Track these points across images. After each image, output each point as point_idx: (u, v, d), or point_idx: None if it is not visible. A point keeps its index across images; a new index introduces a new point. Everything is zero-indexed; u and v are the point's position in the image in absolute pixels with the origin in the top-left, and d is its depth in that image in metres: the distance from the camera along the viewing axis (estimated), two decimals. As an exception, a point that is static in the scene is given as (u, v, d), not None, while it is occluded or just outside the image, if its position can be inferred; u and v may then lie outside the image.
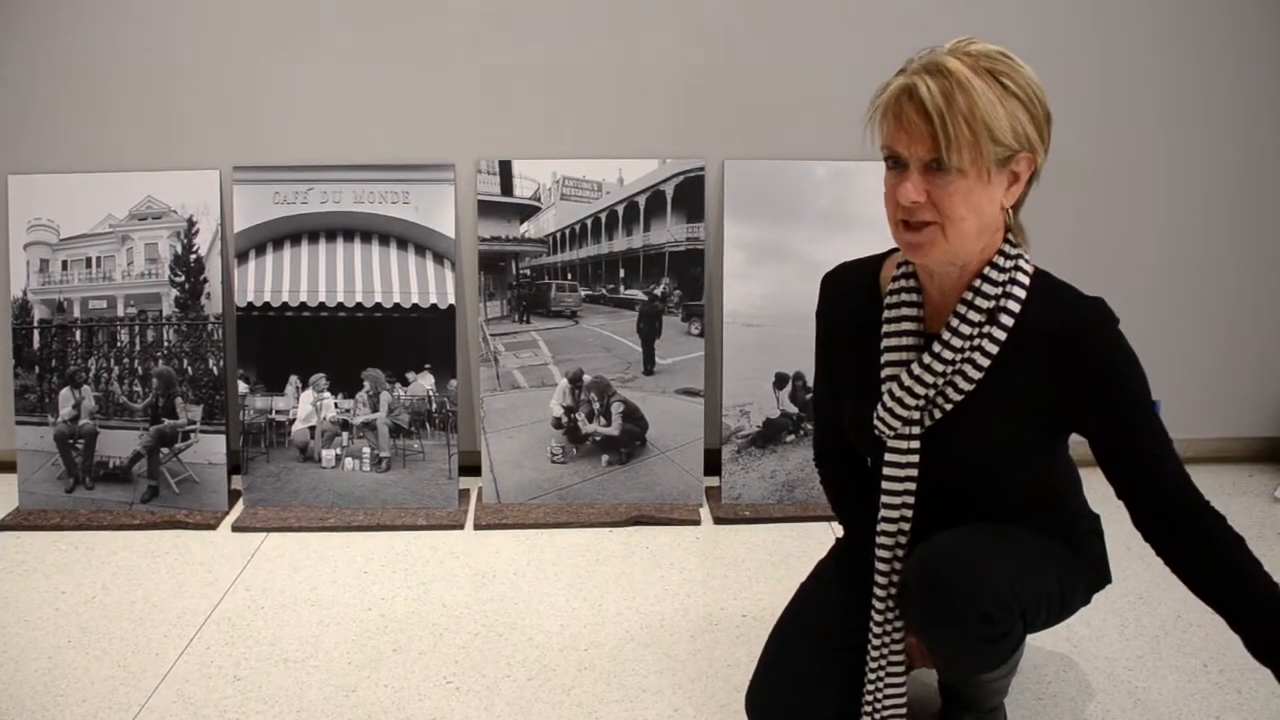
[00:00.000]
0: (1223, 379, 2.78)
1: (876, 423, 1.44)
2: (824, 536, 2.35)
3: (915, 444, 1.42)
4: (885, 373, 1.44)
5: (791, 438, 2.58)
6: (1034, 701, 1.77)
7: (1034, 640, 1.88)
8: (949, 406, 1.40)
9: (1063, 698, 1.79)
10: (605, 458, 2.59)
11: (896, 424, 1.42)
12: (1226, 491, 2.64)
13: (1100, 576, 1.56)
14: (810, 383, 2.53)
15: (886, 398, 1.42)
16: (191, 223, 2.55)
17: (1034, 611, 1.42)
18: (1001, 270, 1.36)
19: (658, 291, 2.59)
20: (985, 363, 1.37)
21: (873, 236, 2.49)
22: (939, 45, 1.32)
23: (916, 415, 1.41)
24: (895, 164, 1.32)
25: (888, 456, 1.44)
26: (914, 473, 1.43)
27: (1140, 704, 1.77)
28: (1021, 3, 2.49)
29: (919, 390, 1.39)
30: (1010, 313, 1.36)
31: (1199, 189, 2.66)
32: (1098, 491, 1.58)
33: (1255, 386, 2.79)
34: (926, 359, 1.39)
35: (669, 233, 2.58)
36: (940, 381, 1.39)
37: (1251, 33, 2.56)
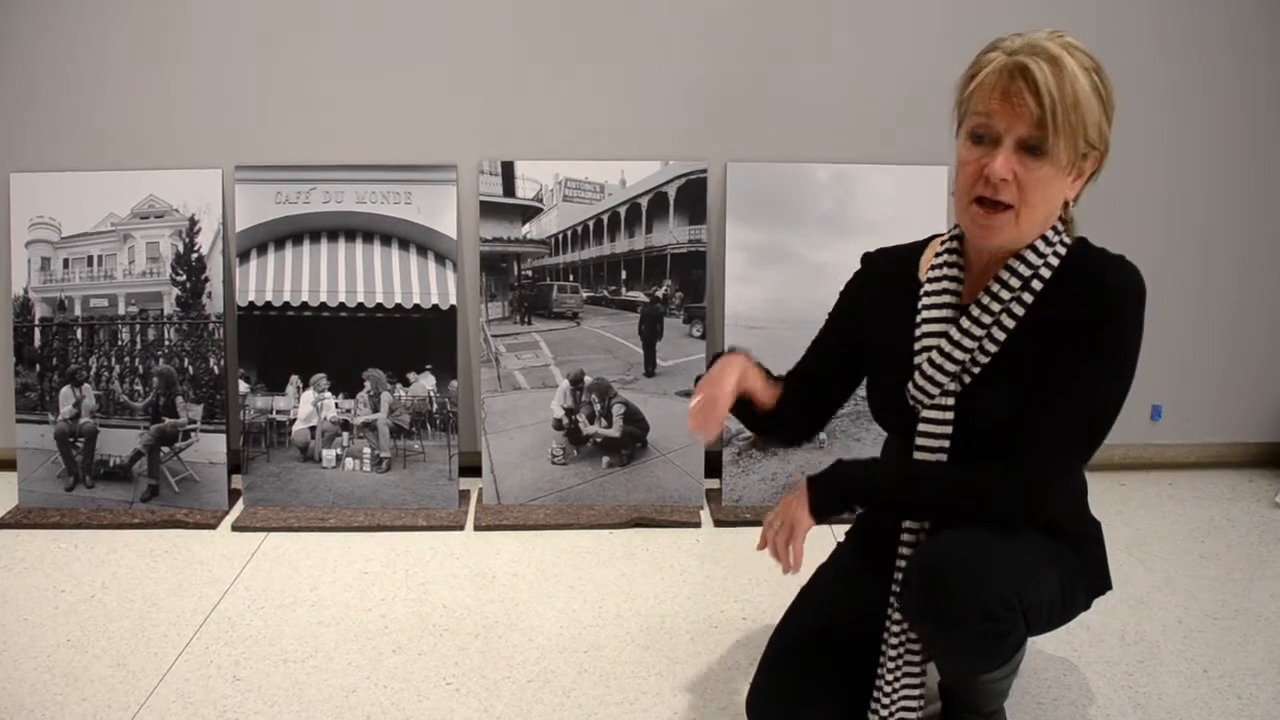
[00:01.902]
0: (1223, 385, 2.78)
1: (915, 392, 1.46)
2: (825, 540, 2.34)
3: (949, 415, 1.44)
4: (922, 343, 1.47)
5: (792, 440, 2.57)
6: (1034, 705, 1.77)
7: (1034, 644, 1.88)
8: (976, 370, 1.43)
9: (1063, 702, 1.79)
10: (606, 459, 2.59)
11: (935, 390, 1.44)
12: (1227, 497, 2.64)
13: (1101, 582, 1.56)
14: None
15: (925, 365, 1.45)
16: (193, 222, 2.54)
17: (1036, 612, 1.42)
18: (1048, 244, 1.40)
19: (659, 293, 2.59)
20: (1011, 324, 1.40)
21: (875, 240, 2.49)
22: (1033, 30, 1.34)
23: (953, 385, 1.43)
24: (983, 139, 1.34)
25: (922, 426, 1.46)
26: (946, 444, 1.45)
27: (1141, 708, 1.76)
28: (1023, 3, 2.49)
29: (958, 355, 1.42)
30: (1042, 279, 1.40)
31: (1199, 194, 2.66)
32: (1098, 497, 1.59)
33: (1256, 392, 2.80)
34: (965, 323, 1.42)
35: (671, 235, 2.58)
36: (975, 347, 1.41)
37: (1253, 33, 2.56)
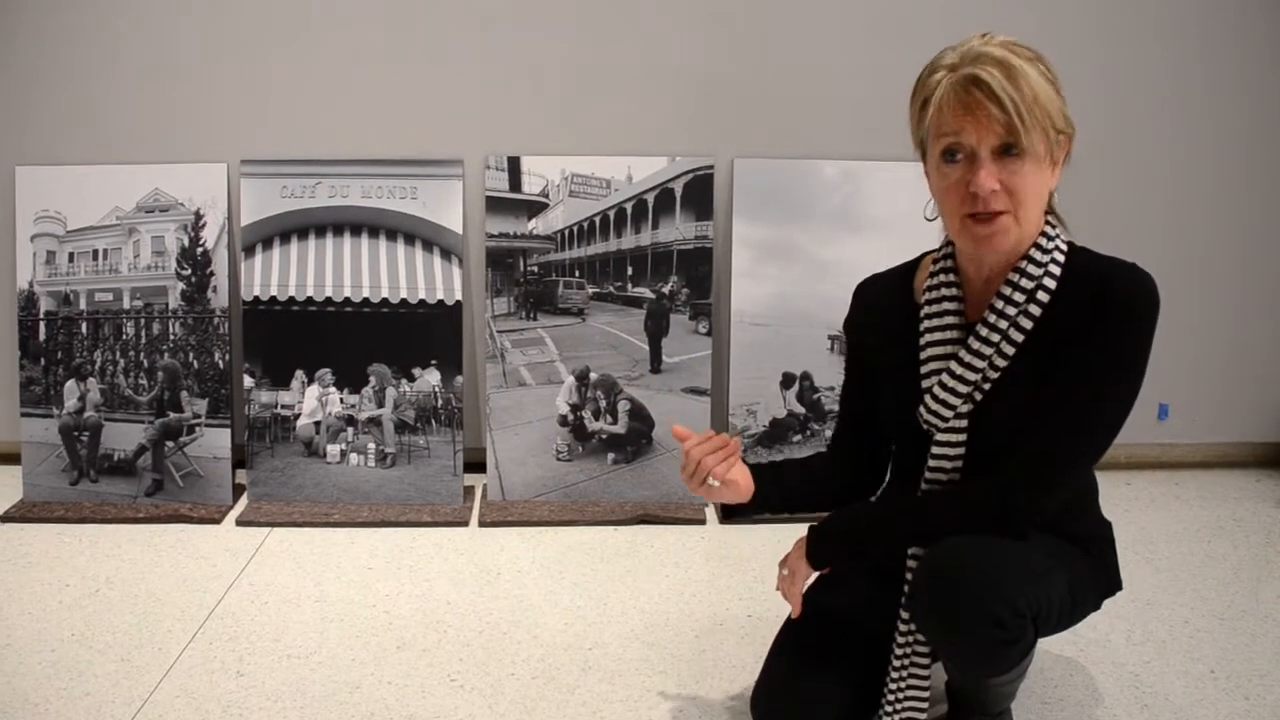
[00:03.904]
0: (1230, 384, 2.77)
1: (929, 417, 1.44)
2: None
3: (963, 436, 1.43)
4: (929, 367, 1.45)
5: (798, 438, 2.57)
6: (1040, 706, 1.77)
7: (1041, 644, 1.86)
8: (987, 386, 1.41)
9: (1069, 702, 1.78)
10: (611, 456, 2.58)
11: (949, 413, 1.43)
12: (1233, 497, 2.64)
13: (1112, 583, 1.56)
14: (816, 383, 2.53)
15: (937, 389, 1.43)
16: (198, 216, 2.54)
17: (1045, 616, 1.41)
18: (1045, 251, 1.39)
19: (665, 290, 2.58)
20: (1020, 338, 1.39)
21: (881, 237, 2.49)
22: (962, 42, 1.33)
23: (965, 406, 1.42)
24: (957, 157, 1.33)
25: (935, 449, 1.45)
26: (960, 463, 1.44)
27: (1147, 709, 1.76)
28: (1026, 1, 2.48)
29: (970, 376, 1.40)
30: (1047, 289, 1.38)
31: (1204, 192, 2.65)
32: (1103, 497, 1.58)
33: (1263, 391, 2.78)
34: (975, 344, 1.40)
35: (677, 231, 2.57)
36: (985, 365, 1.40)
37: (1256, 32, 2.55)
